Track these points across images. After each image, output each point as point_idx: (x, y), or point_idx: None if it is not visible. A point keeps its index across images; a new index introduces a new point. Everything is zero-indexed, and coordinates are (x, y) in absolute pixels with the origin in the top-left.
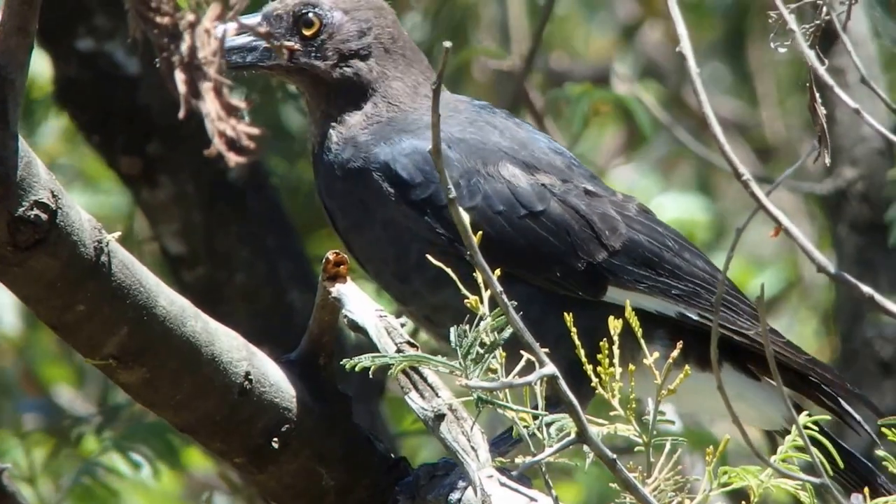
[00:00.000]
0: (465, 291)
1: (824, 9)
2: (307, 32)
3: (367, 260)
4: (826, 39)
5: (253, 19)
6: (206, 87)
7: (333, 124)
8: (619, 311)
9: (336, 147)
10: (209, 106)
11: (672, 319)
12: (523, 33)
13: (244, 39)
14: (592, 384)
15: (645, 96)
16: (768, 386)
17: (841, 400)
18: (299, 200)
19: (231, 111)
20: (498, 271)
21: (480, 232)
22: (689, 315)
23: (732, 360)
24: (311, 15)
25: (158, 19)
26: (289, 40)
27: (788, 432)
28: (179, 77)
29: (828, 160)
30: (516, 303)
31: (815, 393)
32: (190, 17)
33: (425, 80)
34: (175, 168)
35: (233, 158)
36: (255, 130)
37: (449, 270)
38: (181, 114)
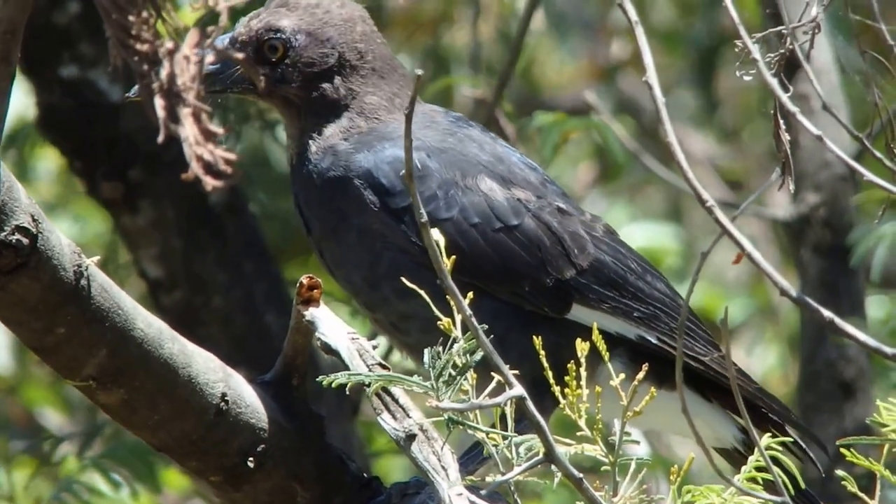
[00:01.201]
0: (437, 313)
1: (788, 38)
2: (272, 58)
3: (338, 267)
4: (790, 67)
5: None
6: (185, 113)
7: (312, 135)
8: (582, 328)
9: (315, 157)
10: (188, 131)
11: (631, 341)
12: (497, 61)
13: (210, 68)
14: (557, 400)
15: (616, 126)
16: (719, 407)
17: (789, 430)
18: (276, 227)
19: (209, 136)
20: (470, 295)
21: (454, 257)
22: (649, 338)
23: (686, 380)
24: (275, 42)
25: (138, 46)
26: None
27: (739, 451)
28: (159, 103)
29: (792, 187)
30: (486, 325)
31: (763, 423)
32: (169, 44)
33: (400, 90)
34: (156, 194)
35: (210, 182)
36: (232, 155)
37: (422, 292)
38: (160, 138)
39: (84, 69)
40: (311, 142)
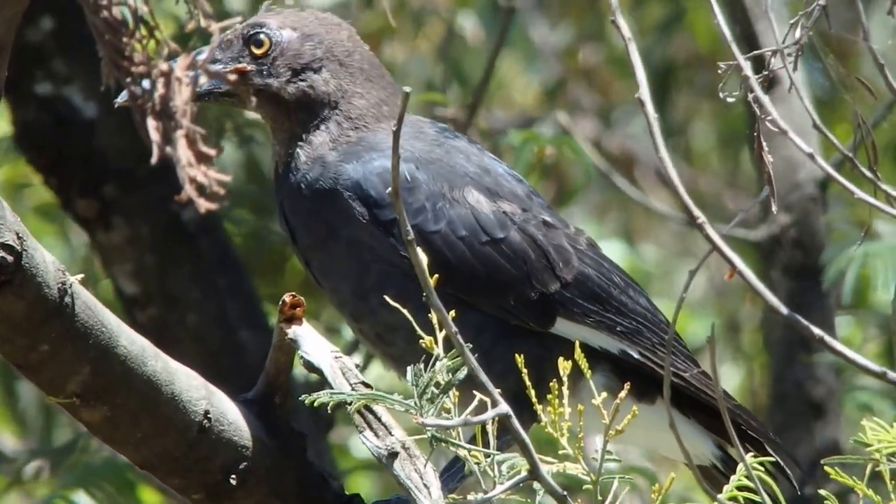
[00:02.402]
0: (420, 331)
1: (773, 59)
2: (258, 52)
3: (325, 277)
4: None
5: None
6: (179, 135)
7: (301, 143)
8: (566, 343)
9: (304, 166)
10: (181, 153)
11: (614, 356)
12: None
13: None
14: (536, 414)
15: (584, 145)
16: (697, 423)
17: (767, 447)
18: (250, 244)
19: (202, 158)
20: (452, 312)
21: (437, 275)
22: (631, 353)
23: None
24: (261, 35)
25: (132, 68)
26: (242, 62)
27: (717, 468)
28: (152, 124)
29: (774, 208)
30: (470, 344)
31: (741, 440)
32: (162, 66)
33: (388, 97)
34: (130, 210)
35: (203, 204)
36: (226, 177)
37: (407, 309)
38: (154, 160)
39: (58, 86)
40: (299, 150)
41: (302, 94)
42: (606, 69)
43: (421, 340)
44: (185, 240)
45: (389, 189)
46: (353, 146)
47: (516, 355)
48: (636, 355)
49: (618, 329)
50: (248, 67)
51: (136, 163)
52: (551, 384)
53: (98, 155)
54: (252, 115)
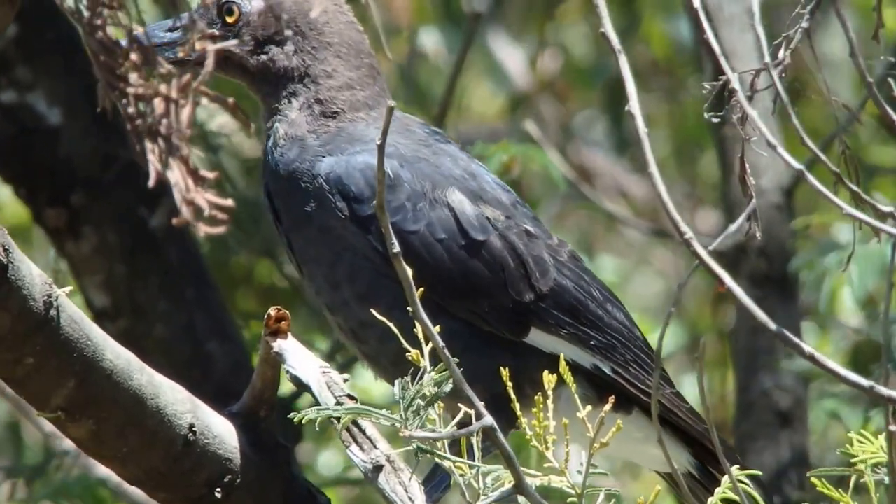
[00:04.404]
0: (406, 345)
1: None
2: (229, 20)
3: (303, 261)
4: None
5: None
6: (176, 158)
7: (279, 117)
8: (538, 353)
9: (282, 143)
10: (178, 176)
11: (587, 370)
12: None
13: (173, 36)
14: (512, 422)
15: (554, 155)
16: (671, 433)
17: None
18: (227, 256)
19: (200, 181)
20: (438, 327)
21: (422, 289)
22: (603, 368)
23: (640, 406)
24: (232, 5)
25: (128, 90)
26: (213, 29)
27: (693, 475)
28: (149, 147)
29: (758, 234)
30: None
31: (711, 459)
32: (163, 87)
33: (362, 77)
34: (97, 218)
35: (202, 229)
36: (227, 202)
37: (392, 325)
38: (151, 182)
39: (22, 93)
40: (278, 125)
41: (264, 66)
42: (565, 77)
43: (407, 354)
44: (153, 248)
45: (374, 203)
46: (334, 136)
47: (488, 361)
48: (608, 371)
49: (591, 343)
50: (217, 33)
51: (102, 169)
52: (536, 398)
53: (64, 162)
54: (217, 122)
